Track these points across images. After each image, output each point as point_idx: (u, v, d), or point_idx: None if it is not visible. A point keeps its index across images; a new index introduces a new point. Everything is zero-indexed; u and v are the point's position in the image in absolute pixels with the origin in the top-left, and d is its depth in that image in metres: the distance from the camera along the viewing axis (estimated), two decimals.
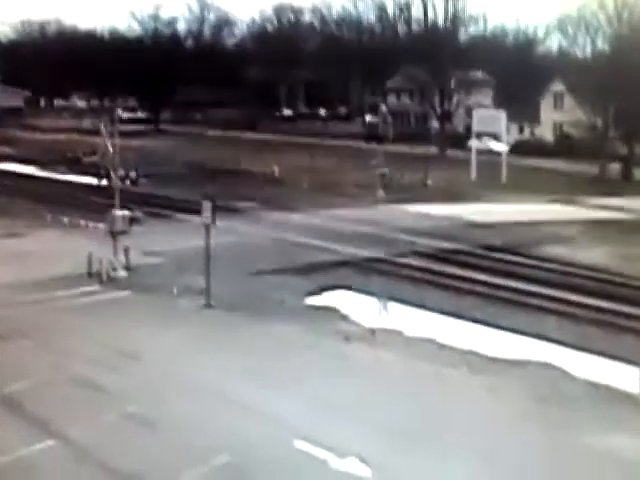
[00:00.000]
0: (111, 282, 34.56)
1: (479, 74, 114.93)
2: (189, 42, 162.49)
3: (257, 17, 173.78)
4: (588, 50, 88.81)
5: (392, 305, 32.45)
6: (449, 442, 19.99)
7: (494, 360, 26.21)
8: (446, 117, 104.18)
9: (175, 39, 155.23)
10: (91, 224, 46.09)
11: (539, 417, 21.61)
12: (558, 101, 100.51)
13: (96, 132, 42.45)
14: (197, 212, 33.43)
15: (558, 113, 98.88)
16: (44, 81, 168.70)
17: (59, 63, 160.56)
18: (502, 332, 29.70)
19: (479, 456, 19.28)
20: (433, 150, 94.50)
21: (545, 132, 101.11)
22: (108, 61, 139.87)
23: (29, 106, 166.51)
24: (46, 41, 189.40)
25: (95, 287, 33.84)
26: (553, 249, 42.76)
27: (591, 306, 32.12)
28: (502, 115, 74.50)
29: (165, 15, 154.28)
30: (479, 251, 42.13)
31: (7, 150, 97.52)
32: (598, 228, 48.63)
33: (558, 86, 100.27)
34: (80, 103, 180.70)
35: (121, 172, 42.13)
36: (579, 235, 46.58)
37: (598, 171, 75.61)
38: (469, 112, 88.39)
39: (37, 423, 20.82)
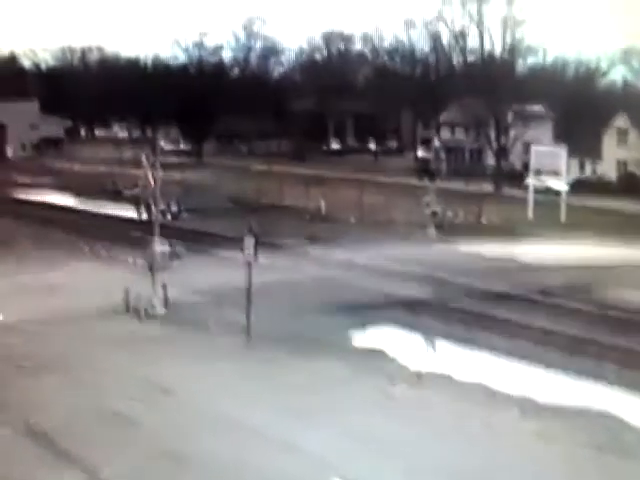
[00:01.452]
0: (149, 318, 35.06)
1: (538, 108, 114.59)
2: (234, 71, 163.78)
3: (305, 45, 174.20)
4: None
5: (441, 348, 32.53)
6: None
7: (547, 407, 26.21)
8: (502, 153, 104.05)
9: (220, 68, 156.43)
10: (130, 259, 46.71)
11: (594, 466, 21.54)
12: (622, 137, 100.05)
13: (137, 164, 43.06)
14: (240, 248, 33.85)
15: (622, 150, 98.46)
16: (85, 110, 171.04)
17: (100, 92, 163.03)
18: (557, 378, 29.66)
19: None
20: (488, 187, 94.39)
21: (608, 170, 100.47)
22: (151, 90, 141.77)
23: (69, 136, 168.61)
24: (87, 69, 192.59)
25: (132, 323, 34.37)
26: (614, 293, 42.49)
27: None
28: (562, 152, 74.20)
29: (210, 43, 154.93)
30: (534, 295, 42.00)
31: (46, 181, 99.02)
32: None
33: (622, 121, 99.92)
34: (121, 133, 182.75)
35: (162, 205, 42.65)
36: None
37: None
38: (527, 148, 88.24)
39: (67, 458, 21.16)
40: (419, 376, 28.78)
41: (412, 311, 38.16)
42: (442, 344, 32.78)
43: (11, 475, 20.47)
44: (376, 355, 31.46)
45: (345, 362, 29.86)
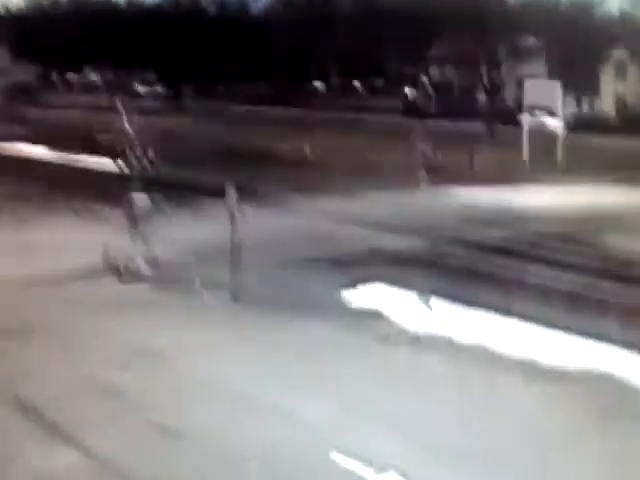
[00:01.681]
0: (130, 275, 34.63)
1: (531, 41, 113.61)
2: (211, 8, 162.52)
3: None
4: None
5: (435, 303, 32.10)
6: (499, 458, 19.72)
7: (549, 369, 25.79)
8: (494, 89, 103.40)
9: (196, 5, 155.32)
10: (107, 209, 46.12)
11: (599, 431, 21.27)
12: (620, 70, 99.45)
13: (111, 109, 42.52)
14: (221, 197, 33.41)
15: (620, 84, 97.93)
16: (55, 54, 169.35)
17: (71, 34, 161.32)
18: (559, 334, 29.30)
19: (532, 475, 19.04)
20: (480, 126, 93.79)
21: (606, 105, 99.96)
22: (124, 31, 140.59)
23: (40, 81, 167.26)
24: (58, 10, 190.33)
25: (113, 281, 33.98)
26: (615, 238, 42.17)
27: None
28: (557, 85, 73.38)
29: None
30: (531, 239, 41.74)
31: (16, 129, 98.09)
32: None
33: (620, 53, 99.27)
34: (94, 77, 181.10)
35: (138, 152, 42.06)
36: None
37: None
38: (520, 84, 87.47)
39: (55, 431, 20.93)
40: (414, 332, 28.42)
41: (403, 265, 37.58)
42: (437, 301, 32.26)
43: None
44: (368, 314, 30.86)
45: (335, 319, 29.49)
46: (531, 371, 25.27)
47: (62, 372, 24.61)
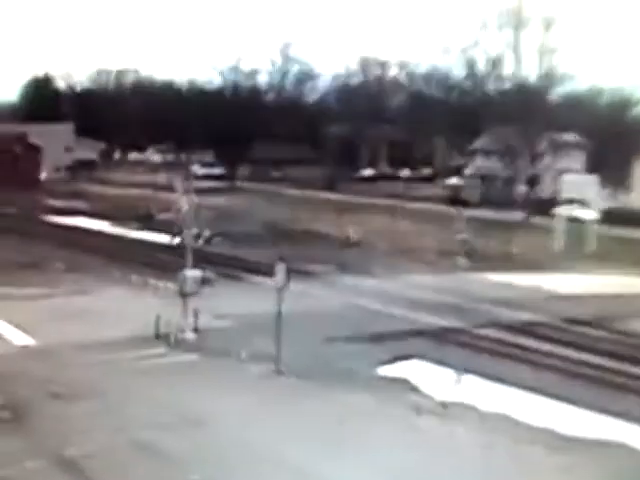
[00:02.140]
0: (179, 345, 35.62)
1: (571, 136, 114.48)
2: (270, 96, 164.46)
3: (341, 70, 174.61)
4: None
5: (467, 378, 32.89)
6: None
7: (573, 440, 26.46)
8: (534, 181, 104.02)
9: (255, 92, 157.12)
10: (161, 284, 47.33)
11: None
12: None
13: (171, 188, 43.59)
14: (270, 274, 34.35)
15: None
16: (119, 133, 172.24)
17: (135, 115, 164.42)
18: (583, 411, 29.90)
19: None
20: (518, 216, 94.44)
21: (638, 200, 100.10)
22: (185, 114, 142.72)
23: (103, 159, 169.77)
24: (122, 92, 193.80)
25: (162, 350, 34.93)
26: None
27: None
28: (594, 181, 74.21)
29: (246, 67, 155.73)
30: (562, 324, 42.37)
31: (78, 204, 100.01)
32: None
33: None
34: (155, 157, 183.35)
35: (194, 230, 43.14)
36: None
37: None
38: (559, 176, 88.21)
39: None
40: (444, 406, 29.17)
41: (440, 340, 38.58)
42: (468, 374, 33.06)
43: None
44: (403, 386, 31.81)
45: (372, 391, 30.24)
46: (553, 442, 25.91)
47: (106, 434, 25.22)
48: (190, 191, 39.69)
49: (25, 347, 35.21)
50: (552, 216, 76.42)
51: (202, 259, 42.09)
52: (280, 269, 32.88)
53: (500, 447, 25.36)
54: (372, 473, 22.88)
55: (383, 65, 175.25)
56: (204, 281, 39.62)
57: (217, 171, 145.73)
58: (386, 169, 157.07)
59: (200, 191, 48.59)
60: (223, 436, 25.43)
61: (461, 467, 23.64)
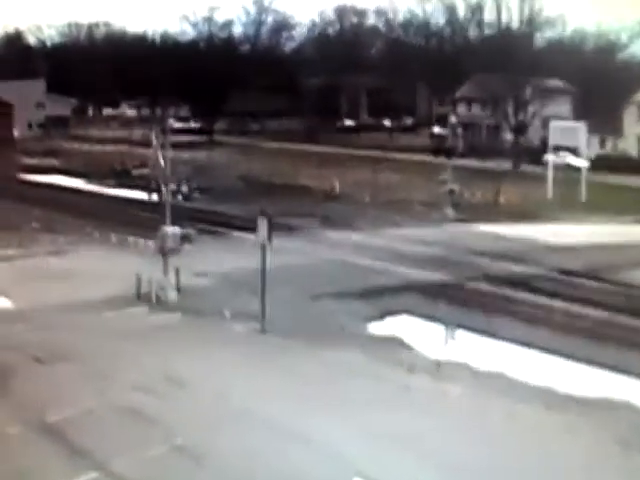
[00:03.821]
0: (161, 304, 34.98)
1: (557, 82, 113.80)
2: (245, 47, 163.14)
3: (318, 20, 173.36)
4: None
5: (459, 334, 32.31)
6: None
7: (572, 398, 25.96)
8: (520, 129, 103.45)
9: (230, 44, 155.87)
10: (140, 241, 46.67)
11: (621, 463, 21.32)
12: None
13: (146, 143, 42.85)
14: (252, 229, 33.77)
15: None
16: (92, 89, 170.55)
17: (108, 69, 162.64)
18: (581, 366, 29.39)
19: None
20: (506, 165, 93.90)
21: (629, 146, 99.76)
22: (159, 67, 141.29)
23: (76, 115, 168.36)
24: (94, 46, 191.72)
25: (144, 309, 34.34)
26: (636, 274, 42.19)
27: None
28: (582, 127, 73.71)
29: (220, 18, 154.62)
30: (555, 276, 41.85)
31: (53, 162, 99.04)
32: None
33: None
34: (130, 112, 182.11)
35: (172, 186, 42.48)
36: None
37: None
38: (545, 124, 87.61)
39: (80, 453, 21.13)
40: (438, 365, 28.60)
41: (429, 295, 37.97)
42: (460, 330, 32.47)
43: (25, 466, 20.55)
44: (393, 343, 31.26)
45: (361, 350, 29.69)
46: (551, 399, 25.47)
47: (89, 396, 24.85)
48: (167, 146, 39.01)
49: (3, 310, 34.58)
50: (541, 164, 75.93)
51: (181, 215, 41.51)
52: (262, 224, 32.29)
53: (495, 407, 24.81)
54: (360, 434, 22.32)
55: (360, 13, 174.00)
56: (184, 238, 38.99)
57: (193, 125, 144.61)
58: (367, 119, 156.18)
59: (177, 146, 47.90)
60: (207, 397, 24.99)
61: (455, 428, 23.10)
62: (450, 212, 59.49)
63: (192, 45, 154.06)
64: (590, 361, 29.39)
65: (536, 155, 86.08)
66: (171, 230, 37.13)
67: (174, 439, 21.81)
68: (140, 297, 35.44)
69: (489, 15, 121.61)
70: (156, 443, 21.56)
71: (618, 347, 30.88)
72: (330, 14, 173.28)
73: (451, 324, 32.53)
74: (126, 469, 20.22)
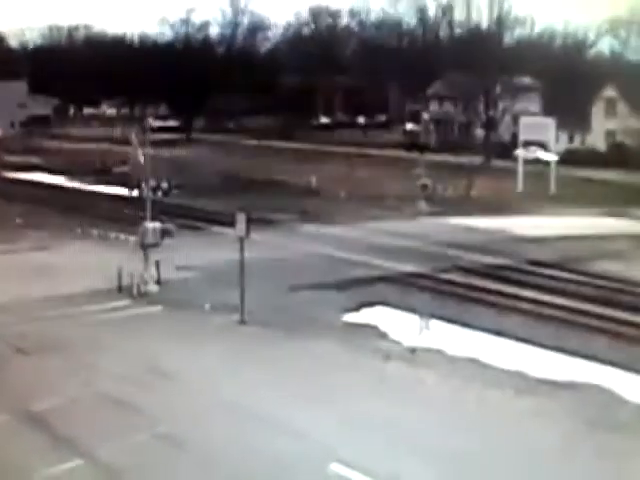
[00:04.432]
0: (142, 297, 34.96)
1: (526, 80, 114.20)
2: (222, 48, 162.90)
3: (293, 20, 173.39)
4: None
5: (434, 323, 32.42)
6: (493, 469, 20.01)
7: (541, 382, 26.17)
8: (491, 125, 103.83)
9: (207, 44, 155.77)
10: (121, 236, 46.60)
11: (589, 443, 21.52)
12: (610, 107, 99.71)
13: (126, 141, 42.78)
14: (231, 224, 33.84)
15: (610, 121, 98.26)
16: (73, 89, 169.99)
17: (88, 70, 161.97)
18: (549, 352, 29.56)
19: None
20: (477, 160, 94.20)
21: (597, 141, 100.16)
22: (138, 68, 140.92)
23: (57, 114, 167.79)
24: (74, 47, 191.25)
25: (125, 302, 34.29)
26: (604, 265, 42.46)
27: None
28: (550, 123, 74.17)
29: (197, 20, 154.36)
30: (526, 267, 42.04)
31: (35, 160, 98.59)
32: None
33: (610, 92, 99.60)
34: (110, 111, 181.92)
35: (152, 183, 42.45)
36: (632, 250, 46.25)
37: None
38: (515, 120, 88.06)
39: (65, 441, 21.15)
40: (412, 351, 28.72)
41: (404, 285, 38.09)
42: (434, 320, 32.57)
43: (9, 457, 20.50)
44: (369, 332, 31.34)
45: (338, 338, 29.83)
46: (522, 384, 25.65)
47: (72, 386, 24.88)
48: (146, 144, 39.01)
49: None
50: (511, 159, 76.24)
51: (161, 211, 41.49)
52: (241, 218, 32.38)
53: (469, 391, 25.01)
54: (338, 420, 22.45)
55: (334, 14, 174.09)
56: (164, 233, 38.92)
57: (172, 123, 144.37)
58: (342, 117, 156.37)
59: (156, 144, 47.83)
60: (188, 387, 25.05)
61: (430, 413, 23.29)
62: (423, 206, 59.63)
63: (170, 46, 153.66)
64: (558, 347, 29.54)
65: (507, 150, 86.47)
66: (152, 225, 37.14)
67: (157, 427, 21.84)
68: (121, 290, 35.38)
69: (459, 15, 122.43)
70: (139, 431, 21.58)
71: (585, 334, 31.12)
72: (305, 15, 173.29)
73: (425, 314, 32.60)
74: (110, 456, 20.24)
